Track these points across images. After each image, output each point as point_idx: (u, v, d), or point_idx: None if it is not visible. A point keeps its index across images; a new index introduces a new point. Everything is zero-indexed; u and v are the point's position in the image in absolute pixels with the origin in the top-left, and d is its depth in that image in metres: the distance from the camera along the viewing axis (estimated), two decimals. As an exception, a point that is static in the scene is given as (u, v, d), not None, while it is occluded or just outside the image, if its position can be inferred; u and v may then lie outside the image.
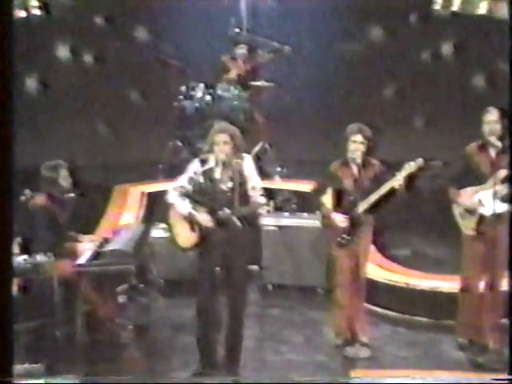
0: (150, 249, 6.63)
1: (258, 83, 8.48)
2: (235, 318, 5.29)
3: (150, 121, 9.09)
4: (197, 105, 8.33)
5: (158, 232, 6.90)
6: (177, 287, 6.71)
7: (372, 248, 6.20)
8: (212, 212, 5.17)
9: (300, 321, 6.30)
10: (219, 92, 8.35)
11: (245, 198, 5.21)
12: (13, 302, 3.63)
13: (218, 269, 5.21)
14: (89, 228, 6.79)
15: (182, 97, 8.39)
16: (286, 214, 6.98)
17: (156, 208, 7.56)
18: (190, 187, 5.23)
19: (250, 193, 5.23)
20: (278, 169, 8.42)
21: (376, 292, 6.31)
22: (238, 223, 5.11)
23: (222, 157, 5.19)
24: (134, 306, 6.11)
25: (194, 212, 5.17)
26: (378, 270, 6.69)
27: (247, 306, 5.39)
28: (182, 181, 5.27)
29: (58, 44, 9.18)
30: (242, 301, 5.31)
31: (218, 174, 5.19)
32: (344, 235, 5.61)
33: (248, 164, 5.27)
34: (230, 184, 5.19)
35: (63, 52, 9.22)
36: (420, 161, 5.41)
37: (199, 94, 8.34)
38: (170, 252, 6.58)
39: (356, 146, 5.55)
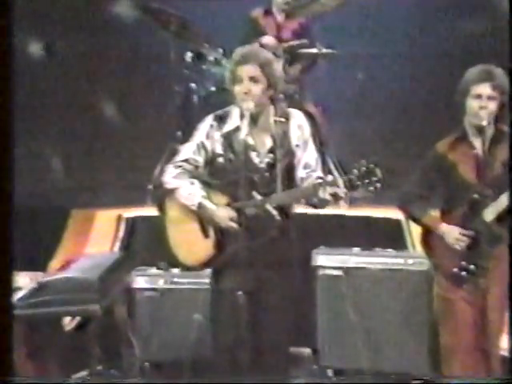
0: (127, 308, 6.56)
1: (311, 50, 8.06)
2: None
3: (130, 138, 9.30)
4: (211, 87, 7.97)
5: (142, 280, 6.73)
6: (170, 372, 6.55)
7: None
8: (236, 204, 5.00)
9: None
10: (248, 64, 7.92)
11: (291, 182, 5.04)
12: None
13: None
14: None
15: (186, 71, 8.08)
16: (356, 249, 6.75)
17: (140, 239, 7.49)
18: (200, 161, 5.07)
19: (301, 173, 5.04)
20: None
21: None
22: (276, 215, 4.85)
23: (249, 105, 4.95)
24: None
25: (208, 203, 4.97)
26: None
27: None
28: (187, 151, 5.10)
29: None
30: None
31: (244, 135, 4.94)
32: (463, 262, 5.32)
33: (298, 125, 5.09)
34: (267, 157, 5.04)
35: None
36: None
37: (215, 68, 7.99)
38: (162, 315, 6.63)
39: (480, 104, 5.27)
